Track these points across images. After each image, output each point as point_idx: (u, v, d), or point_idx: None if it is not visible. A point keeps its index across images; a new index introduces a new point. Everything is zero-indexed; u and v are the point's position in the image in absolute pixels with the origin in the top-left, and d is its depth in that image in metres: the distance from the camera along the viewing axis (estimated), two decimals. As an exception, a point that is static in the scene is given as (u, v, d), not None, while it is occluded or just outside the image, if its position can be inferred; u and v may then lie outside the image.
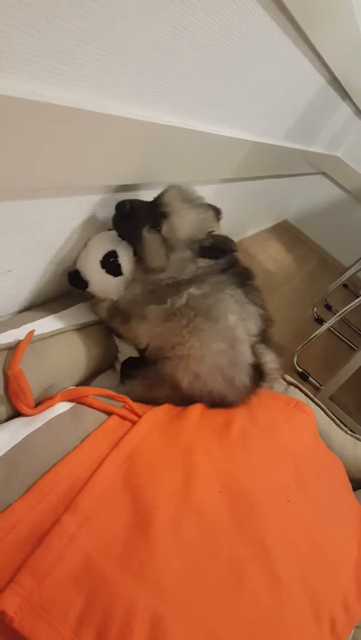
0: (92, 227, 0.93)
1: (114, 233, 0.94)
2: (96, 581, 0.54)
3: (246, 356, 0.88)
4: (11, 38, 0.48)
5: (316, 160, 2.41)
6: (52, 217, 0.79)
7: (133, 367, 0.98)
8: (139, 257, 0.91)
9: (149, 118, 0.79)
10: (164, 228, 0.86)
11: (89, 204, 0.86)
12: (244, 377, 0.89)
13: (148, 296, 0.90)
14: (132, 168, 0.86)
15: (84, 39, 0.56)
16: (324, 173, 2.85)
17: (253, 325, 0.90)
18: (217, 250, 0.88)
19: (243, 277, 0.94)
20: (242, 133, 1.24)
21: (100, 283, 0.91)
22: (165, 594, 0.57)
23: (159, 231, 0.86)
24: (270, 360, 0.90)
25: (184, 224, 0.86)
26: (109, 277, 0.90)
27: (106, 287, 0.92)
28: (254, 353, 0.89)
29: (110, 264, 0.90)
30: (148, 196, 0.99)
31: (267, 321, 0.93)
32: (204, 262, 0.89)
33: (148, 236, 0.86)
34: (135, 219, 0.86)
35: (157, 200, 0.88)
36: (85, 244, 0.94)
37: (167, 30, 0.70)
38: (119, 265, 0.90)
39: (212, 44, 0.82)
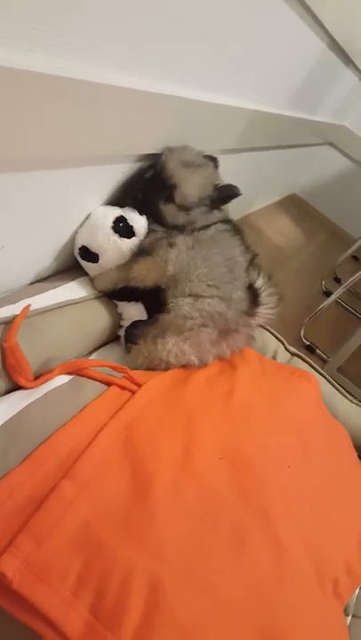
0: (87, 200, 0.92)
1: (111, 206, 0.96)
2: (95, 545, 0.55)
3: (242, 278, 0.98)
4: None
5: (322, 130, 2.36)
6: (45, 190, 0.78)
7: (140, 329, 0.98)
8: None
9: (143, 87, 0.78)
10: (177, 198, 0.93)
11: (83, 176, 0.85)
12: (240, 293, 0.97)
13: (172, 230, 0.97)
14: (127, 139, 0.85)
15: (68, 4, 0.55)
16: (331, 144, 2.79)
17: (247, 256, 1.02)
18: (225, 197, 0.98)
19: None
20: (241, 101, 1.22)
21: (114, 248, 0.93)
22: (164, 557, 0.57)
23: (173, 201, 0.93)
24: (260, 283, 1.02)
25: (193, 189, 0.94)
26: (124, 240, 0.93)
27: (120, 251, 0.94)
28: (249, 276, 1.00)
29: (123, 227, 0.93)
30: (139, 167, 0.99)
31: (253, 253, 1.05)
32: (217, 214, 1.00)
33: (164, 207, 0.94)
34: (149, 199, 0.94)
35: (162, 172, 0.92)
36: (86, 219, 0.94)
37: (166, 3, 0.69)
38: (131, 226, 0.94)
39: (207, 8, 0.80)
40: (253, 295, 1.00)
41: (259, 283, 1.02)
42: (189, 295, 0.93)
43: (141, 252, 0.95)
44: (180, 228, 0.95)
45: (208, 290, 0.93)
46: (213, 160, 1.02)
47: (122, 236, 0.93)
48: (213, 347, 0.94)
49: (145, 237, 0.95)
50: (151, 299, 0.98)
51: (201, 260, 0.93)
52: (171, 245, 0.93)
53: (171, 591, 0.55)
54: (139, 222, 0.95)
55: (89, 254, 0.94)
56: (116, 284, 0.97)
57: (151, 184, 0.93)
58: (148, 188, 0.94)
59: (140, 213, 0.96)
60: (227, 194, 0.96)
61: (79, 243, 0.94)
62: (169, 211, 0.94)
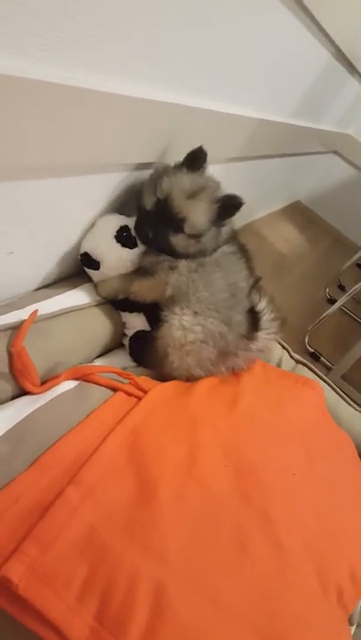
0: (93, 207, 0.93)
1: (117, 214, 0.97)
2: (100, 551, 0.55)
3: (243, 303, 0.98)
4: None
5: (326, 138, 2.37)
6: (52, 198, 0.79)
7: (142, 340, 0.99)
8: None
9: (149, 96, 0.78)
10: (187, 229, 0.90)
11: (90, 184, 0.86)
12: (240, 317, 0.96)
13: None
14: (133, 147, 0.86)
15: (77, 15, 0.56)
16: (335, 152, 2.80)
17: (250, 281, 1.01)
18: (230, 208, 0.92)
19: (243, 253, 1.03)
20: (246, 110, 1.23)
21: (116, 257, 0.94)
22: (169, 563, 0.57)
23: (183, 231, 0.90)
24: (262, 306, 1.03)
25: (201, 216, 0.90)
26: (126, 250, 0.94)
27: (122, 261, 0.94)
28: (250, 300, 1.00)
29: (125, 237, 0.93)
30: (145, 176, 0.99)
31: (256, 277, 1.04)
32: (226, 230, 0.96)
33: (174, 239, 0.90)
34: (159, 235, 0.91)
35: (167, 205, 0.89)
36: (92, 226, 0.95)
37: (171, 8, 0.70)
38: (134, 237, 0.94)
39: (212, 19, 0.81)
40: (254, 319, 0.99)
41: (260, 306, 1.02)
42: (188, 309, 0.93)
43: (143, 270, 0.95)
44: (191, 257, 0.93)
45: (208, 311, 0.93)
46: (204, 156, 0.94)
47: (124, 245, 0.93)
48: (212, 366, 0.94)
49: (147, 257, 0.95)
50: (152, 311, 0.99)
51: (202, 283, 0.93)
52: (172, 269, 0.92)
53: (175, 597, 0.55)
54: None
55: (90, 261, 0.95)
56: (118, 292, 0.98)
57: (159, 219, 0.90)
58: (156, 225, 0.90)
59: (151, 248, 0.95)
60: (230, 204, 0.91)
61: (82, 249, 0.95)
62: (180, 242, 0.90)
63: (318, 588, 0.67)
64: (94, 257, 0.94)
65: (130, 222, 0.95)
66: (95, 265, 0.95)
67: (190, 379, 0.94)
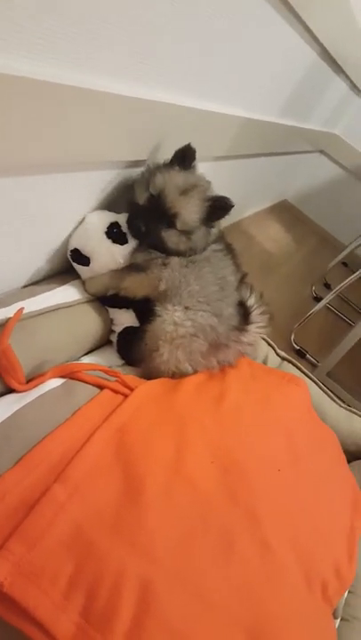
0: (82, 205, 0.92)
1: (107, 211, 0.97)
2: (86, 548, 0.55)
3: (232, 296, 1.01)
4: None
5: (313, 138, 2.39)
6: (37, 195, 0.78)
7: (131, 336, 0.99)
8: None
9: (136, 94, 0.78)
10: (179, 225, 0.92)
11: (75, 181, 0.85)
12: (231, 309, 0.99)
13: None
14: (120, 145, 0.86)
15: (63, 12, 0.56)
16: (322, 152, 2.82)
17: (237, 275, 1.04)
18: (219, 210, 0.95)
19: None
20: (233, 109, 1.23)
21: (107, 253, 0.94)
22: (155, 560, 0.58)
23: (175, 227, 0.92)
24: (252, 301, 1.05)
25: (193, 213, 0.92)
26: (116, 246, 0.94)
27: (112, 257, 0.95)
28: (240, 294, 1.03)
29: (116, 234, 0.94)
30: (134, 173, 1.00)
31: (243, 272, 1.07)
32: (215, 231, 0.99)
33: (166, 235, 0.92)
34: (151, 229, 0.92)
35: (160, 201, 0.90)
36: (80, 223, 0.95)
37: (161, 11, 0.70)
38: (125, 233, 0.94)
39: (200, 18, 0.81)
40: (244, 312, 1.02)
41: (251, 301, 1.04)
42: (180, 305, 0.95)
43: (135, 267, 0.96)
44: (182, 254, 0.95)
45: (199, 305, 0.95)
46: (192, 152, 0.95)
47: (115, 241, 0.93)
48: (203, 359, 0.95)
49: (139, 254, 0.96)
50: (141, 307, 0.99)
51: (193, 277, 0.95)
52: (165, 265, 0.94)
53: (161, 593, 0.55)
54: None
55: (80, 257, 0.95)
56: (107, 289, 0.98)
57: (151, 213, 0.91)
58: (149, 219, 0.92)
59: (143, 243, 0.96)
60: (220, 205, 0.93)
61: (72, 245, 0.95)
62: (171, 237, 0.92)
63: (303, 583, 0.68)
64: (84, 253, 0.94)
65: (120, 219, 0.95)
66: (85, 261, 0.95)
67: (177, 374, 0.94)
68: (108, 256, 0.94)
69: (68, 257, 0.97)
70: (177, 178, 0.91)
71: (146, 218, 0.92)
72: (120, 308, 1.01)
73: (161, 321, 0.94)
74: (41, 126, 0.63)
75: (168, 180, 0.90)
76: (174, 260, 0.95)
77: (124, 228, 0.95)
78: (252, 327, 1.02)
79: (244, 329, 1.00)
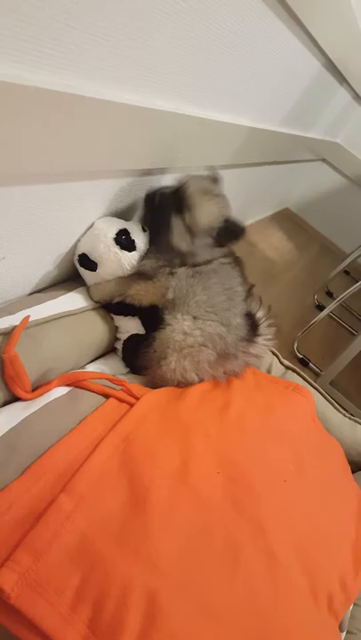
0: (89, 214, 0.93)
1: (116, 218, 0.98)
2: (92, 559, 0.55)
3: (240, 306, 1.01)
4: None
5: (315, 146, 2.40)
6: (45, 203, 0.79)
7: (137, 344, 0.99)
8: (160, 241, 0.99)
9: (142, 103, 0.79)
10: (188, 219, 0.94)
11: (83, 190, 0.86)
12: (239, 319, 0.99)
13: (176, 258, 0.98)
14: (126, 155, 0.86)
15: (71, 22, 0.56)
16: (324, 160, 2.83)
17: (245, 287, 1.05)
18: (230, 233, 0.97)
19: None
20: (238, 119, 1.24)
21: (114, 260, 0.94)
22: (161, 571, 0.57)
23: (184, 220, 0.94)
24: (259, 311, 1.05)
25: (205, 216, 0.94)
26: (124, 253, 0.94)
27: (119, 264, 0.95)
28: (248, 305, 1.04)
29: (125, 240, 0.94)
30: (141, 182, 1.00)
31: (250, 284, 1.08)
32: (221, 250, 1.00)
33: (174, 220, 0.94)
34: (163, 208, 0.96)
35: (181, 191, 0.94)
36: (90, 228, 0.96)
37: (167, 21, 0.70)
38: (133, 240, 0.95)
39: (205, 28, 0.82)
40: (253, 323, 1.02)
41: (259, 314, 1.05)
42: (188, 314, 0.95)
43: (142, 274, 0.96)
44: (181, 256, 0.97)
45: (207, 314, 0.95)
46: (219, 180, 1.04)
47: (123, 248, 0.94)
48: (211, 368, 0.95)
49: (147, 261, 0.96)
50: (147, 314, 1.00)
51: (200, 288, 0.96)
52: (172, 274, 0.96)
53: (167, 605, 0.54)
54: (140, 237, 0.97)
55: (88, 262, 0.95)
56: (113, 296, 0.98)
57: (170, 197, 0.95)
58: (165, 198, 0.95)
59: (149, 222, 0.99)
60: (232, 229, 0.96)
61: (80, 250, 0.95)
62: (177, 227, 0.94)
63: (309, 595, 0.68)
64: (92, 258, 0.94)
65: (129, 226, 0.96)
66: (92, 266, 0.95)
67: (182, 383, 0.94)
68: (115, 262, 0.94)
69: (75, 262, 0.97)
70: (206, 182, 0.97)
71: (164, 196, 0.95)
72: (125, 315, 1.01)
73: (170, 330, 0.94)
74: (50, 136, 0.63)
75: (198, 179, 0.96)
76: (181, 270, 0.96)
77: (134, 235, 0.95)
78: (260, 339, 1.02)
79: (252, 340, 1.00)
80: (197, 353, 0.93)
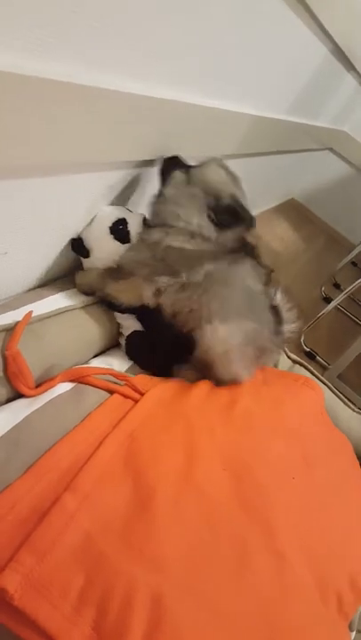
0: (91, 206, 0.91)
1: (122, 208, 0.97)
2: (96, 559, 0.54)
3: (262, 302, 0.96)
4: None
5: (322, 135, 2.36)
6: (46, 197, 0.77)
7: (140, 340, 0.96)
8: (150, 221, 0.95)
9: (145, 92, 0.77)
10: (193, 171, 0.92)
11: (84, 183, 0.84)
12: (267, 314, 0.96)
13: (158, 263, 0.89)
14: (128, 145, 0.85)
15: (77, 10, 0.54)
16: (331, 149, 2.79)
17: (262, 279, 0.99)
18: (232, 213, 0.90)
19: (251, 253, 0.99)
20: (243, 107, 1.22)
21: (106, 249, 0.92)
22: (166, 572, 0.56)
23: (187, 173, 0.92)
24: (279, 297, 1.01)
25: (210, 172, 0.92)
26: (117, 244, 0.91)
27: (110, 254, 0.92)
28: (268, 297, 0.99)
29: (120, 230, 0.91)
30: (147, 174, 0.99)
31: (268, 269, 1.03)
32: (222, 236, 0.92)
33: (177, 173, 0.92)
34: (173, 164, 0.93)
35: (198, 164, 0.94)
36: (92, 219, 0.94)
37: (169, 5, 0.69)
38: (128, 232, 0.92)
39: (210, 14, 0.79)
40: (276, 314, 0.99)
41: (278, 299, 1.01)
42: (215, 320, 0.89)
43: (120, 270, 0.91)
44: (172, 217, 0.89)
45: (237, 316, 0.90)
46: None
47: (116, 238, 0.91)
48: (254, 364, 0.94)
49: (129, 253, 0.91)
50: (143, 313, 0.95)
51: (206, 299, 0.89)
52: (150, 281, 0.88)
53: (173, 606, 0.53)
54: (135, 229, 0.93)
55: (80, 247, 0.93)
56: (93, 289, 0.93)
57: (179, 159, 0.94)
58: (175, 158, 0.94)
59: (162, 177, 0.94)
60: (239, 212, 0.90)
61: (79, 232, 0.93)
62: (175, 178, 0.91)
63: (318, 596, 0.66)
64: (86, 244, 0.92)
65: (130, 217, 0.93)
66: (84, 252, 0.93)
67: (233, 382, 0.92)
68: (107, 252, 0.92)
69: (69, 244, 0.94)
70: (224, 163, 0.95)
71: (175, 158, 0.94)
72: (122, 312, 0.97)
73: (205, 346, 0.89)
74: (51, 126, 0.62)
75: (218, 159, 0.95)
76: (164, 284, 0.88)
77: (131, 226, 0.92)
78: (285, 327, 1.00)
79: (280, 331, 0.98)
80: (242, 355, 0.90)
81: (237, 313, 0.90)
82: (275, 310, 0.98)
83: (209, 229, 0.90)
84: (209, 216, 0.90)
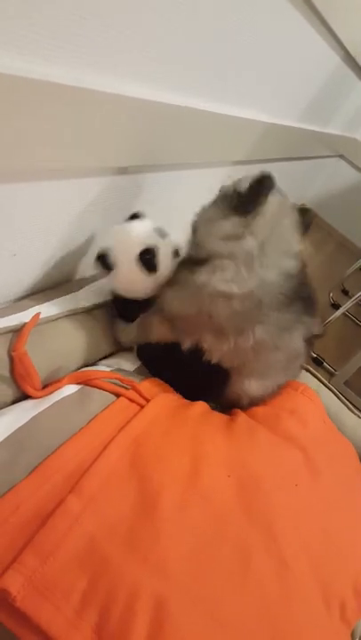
0: (97, 211, 0.92)
1: (154, 230, 0.90)
2: (100, 563, 0.54)
3: (301, 355, 0.98)
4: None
5: (333, 142, 2.36)
6: (55, 200, 0.78)
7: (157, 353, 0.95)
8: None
9: (155, 97, 0.78)
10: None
11: (93, 187, 0.85)
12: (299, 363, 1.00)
13: (203, 319, 0.83)
14: (138, 150, 0.85)
15: (81, 13, 0.55)
16: (341, 156, 2.78)
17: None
18: (257, 189, 0.84)
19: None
20: (254, 114, 1.22)
21: (130, 275, 0.87)
22: (170, 577, 0.56)
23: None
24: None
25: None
26: (141, 275, 0.86)
27: (134, 280, 0.88)
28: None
29: (148, 260, 0.85)
30: (152, 178, 0.98)
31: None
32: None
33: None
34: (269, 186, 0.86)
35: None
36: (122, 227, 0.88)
37: (179, 11, 0.69)
38: (157, 263, 0.86)
39: (222, 21, 0.80)
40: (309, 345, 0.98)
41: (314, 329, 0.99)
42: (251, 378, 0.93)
43: (161, 310, 0.87)
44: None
45: (271, 372, 0.94)
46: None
47: (143, 267, 0.86)
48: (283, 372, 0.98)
49: (171, 291, 0.86)
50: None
51: (259, 363, 0.88)
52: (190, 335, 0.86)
53: (176, 611, 0.53)
54: (168, 260, 0.88)
55: (105, 261, 0.86)
56: (138, 341, 0.95)
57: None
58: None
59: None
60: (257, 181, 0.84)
61: (103, 245, 0.87)
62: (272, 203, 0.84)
63: (321, 603, 0.66)
64: (110, 260, 0.85)
65: (162, 245, 0.87)
66: (109, 267, 0.86)
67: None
68: (130, 277, 0.87)
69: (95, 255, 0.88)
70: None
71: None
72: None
73: (235, 395, 0.93)
74: (61, 130, 0.62)
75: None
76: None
77: (161, 255, 0.87)
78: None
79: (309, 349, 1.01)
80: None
81: (276, 370, 0.95)
82: (309, 342, 0.97)
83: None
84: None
